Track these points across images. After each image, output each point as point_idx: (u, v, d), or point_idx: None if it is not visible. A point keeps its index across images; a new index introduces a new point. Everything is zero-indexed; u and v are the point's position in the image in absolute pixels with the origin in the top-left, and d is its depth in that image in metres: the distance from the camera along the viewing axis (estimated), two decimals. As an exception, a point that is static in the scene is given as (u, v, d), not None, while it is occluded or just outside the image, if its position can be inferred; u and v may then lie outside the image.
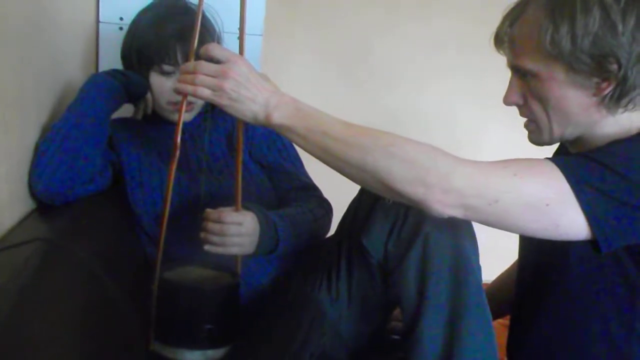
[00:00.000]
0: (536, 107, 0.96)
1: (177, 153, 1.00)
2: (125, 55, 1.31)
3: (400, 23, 2.22)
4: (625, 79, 0.88)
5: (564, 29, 0.87)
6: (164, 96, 1.27)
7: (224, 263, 1.13)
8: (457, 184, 0.84)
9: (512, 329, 1.13)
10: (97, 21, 1.64)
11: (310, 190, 1.32)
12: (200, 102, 1.30)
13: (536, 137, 1.01)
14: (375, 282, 1.07)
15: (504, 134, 2.04)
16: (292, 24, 2.14)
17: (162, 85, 1.26)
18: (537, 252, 1.04)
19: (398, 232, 0.98)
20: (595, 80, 0.90)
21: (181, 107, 0.99)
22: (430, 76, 2.27)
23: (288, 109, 0.91)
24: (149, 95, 1.28)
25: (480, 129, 2.31)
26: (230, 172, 1.26)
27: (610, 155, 0.89)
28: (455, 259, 0.94)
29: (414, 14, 2.21)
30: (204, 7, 0.99)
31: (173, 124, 1.19)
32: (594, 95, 0.91)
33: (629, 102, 0.91)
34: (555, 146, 1.10)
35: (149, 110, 1.30)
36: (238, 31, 1.02)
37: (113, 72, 1.21)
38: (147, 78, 1.26)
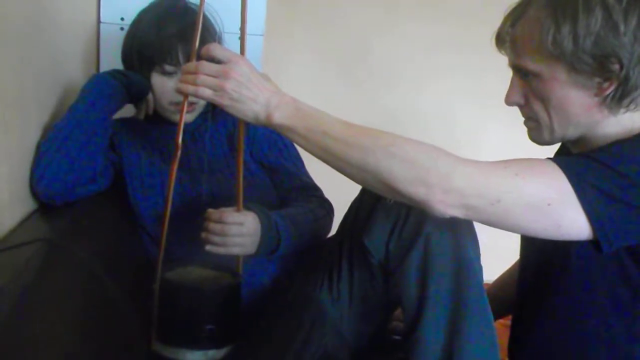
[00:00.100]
0: (538, 107, 0.96)
1: (179, 153, 1.00)
2: (126, 56, 1.31)
3: (399, 23, 2.22)
4: (627, 79, 0.88)
5: (566, 29, 0.87)
6: (165, 96, 1.27)
7: (225, 263, 1.13)
8: (458, 184, 0.84)
9: (514, 329, 1.13)
10: (98, 21, 1.64)
11: (311, 191, 1.32)
12: (202, 103, 1.30)
13: (536, 135, 1.00)
14: (377, 282, 1.07)
15: (504, 134, 2.04)
16: (292, 24, 2.13)
17: (164, 85, 1.26)
18: (538, 252, 1.04)
19: (399, 232, 0.98)
20: (597, 80, 0.90)
21: (182, 107, 0.99)
22: (429, 76, 2.27)
23: (289, 109, 0.91)
24: (150, 96, 1.28)
25: (479, 128, 2.31)
26: (231, 172, 1.26)
27: (612, 155, 0.89)
28: (457, 259, 0.94)
29: (414, 14, 2.21)
30: (204, 7, 0.99)
31: (174, 124, 1.19)
32: (596, 95, 0.91)
33: (630, 102, 0.91)
34: (557, 146, 1.10)
35: (150, 111, 1.30)
36: (239, 31, 1.02)
37: (114, 73, 1.21)
38: (148, 78, 1.26)
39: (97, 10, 1.64)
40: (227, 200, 1.16)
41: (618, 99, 0.90)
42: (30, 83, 1.06)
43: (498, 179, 0.85)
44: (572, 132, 0.97)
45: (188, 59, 1.01)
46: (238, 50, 1.00)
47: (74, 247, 0.95)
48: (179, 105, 1.18)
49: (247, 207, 1.13)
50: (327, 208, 1.29)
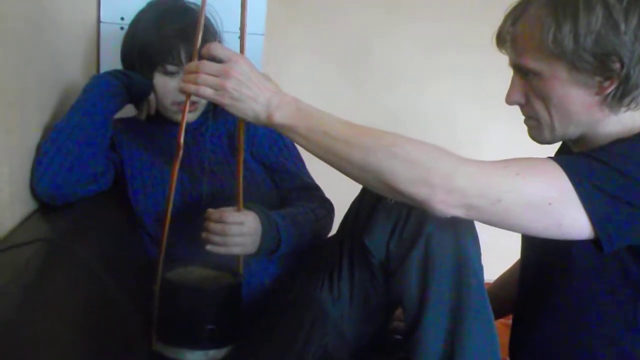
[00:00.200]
0: (538, 106, 0.96)
1: (180, 153, 1.00)
2: (126, 56, 1.31)
3: (400, 23, 2.22)
4: (627, 77, 0.88)
5: (567, 28, 0.87)
6: (168, 96, 1.27)
7: (226, 263, 1.13)
8: (460, 184, 0.84)
9: (515, 329, 1.13)
10: (98, 21, 1.64)
11: (312, 190, 1.32)
12: (203, 102, 1.30)
13: (537, 134, 1.00)
14: (377, 282, 1.07)
15: (504, 134, 2.04)
16: (292, 24, 2.14)
17: (166, 85, 1.26)
18: (539, 252, 1.04)
19: (400, 232, 0.97)
20: (598, 79, 0.90)
21: (185, 107, 0.99)
22: (430, 76, 2.27)
23: (289, 109, 0.91)
24: (152, 96, 1.28)
25: (480, 128, 2.31)
26: (231, 172, 1.25)
27: (613, 154, 0.88)
28: (457, 258, 0.94)
29: (414, 14, 2.21)
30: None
31: (175, 124, 1.19)
32: (597, 94, 0.91)
33: (631, 101, 0.91)
34: (558, 145, 1.10)
35: (152, 111, 1.30)
36: (239, 31, 1.02)
37: (115, 73, 1.21)
38: (150, 79, 1.26)
39: (97, 10, 1.64)
40: (227, 200, 1.16)
41: (619, 98, 0.90)
42: (31, 83, 1.06)
43: (499, 178, 0.85)
44: (572, 131, 0.96)
45: (190, 59, 1.01)
46: (238, 50, 1.00)
47: (74, 247, 0.95)
48: (181, 104, 1.18)
49: (248, 207, 1.13)
50: (327, 208, 1.29)
